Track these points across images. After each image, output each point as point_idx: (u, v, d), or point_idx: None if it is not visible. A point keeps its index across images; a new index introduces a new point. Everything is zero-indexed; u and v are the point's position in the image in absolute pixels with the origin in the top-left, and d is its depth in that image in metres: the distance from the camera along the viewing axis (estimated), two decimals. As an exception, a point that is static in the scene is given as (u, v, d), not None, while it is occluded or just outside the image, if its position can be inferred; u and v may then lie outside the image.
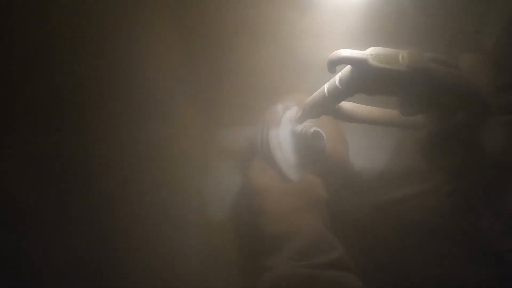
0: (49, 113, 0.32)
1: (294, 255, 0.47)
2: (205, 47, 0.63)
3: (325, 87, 0.50)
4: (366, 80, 0.45)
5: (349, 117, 0.55)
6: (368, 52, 0.44)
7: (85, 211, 0.36)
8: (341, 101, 0.52)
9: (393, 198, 0.58)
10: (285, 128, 0.59)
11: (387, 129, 0.69)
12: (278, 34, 0.61)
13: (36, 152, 0.31)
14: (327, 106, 0.53)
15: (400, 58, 0.43)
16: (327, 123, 0.62)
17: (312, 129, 0.58)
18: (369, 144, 0.68)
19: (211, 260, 0.61)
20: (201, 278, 0.59)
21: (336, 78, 0.48)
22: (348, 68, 0.46)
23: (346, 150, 0.63)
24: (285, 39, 0.62)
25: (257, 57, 0.62)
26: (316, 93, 0.53)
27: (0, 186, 0.28)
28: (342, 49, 0.44)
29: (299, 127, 0.60)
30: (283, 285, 0.45)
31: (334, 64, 0.45)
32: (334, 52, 0.45)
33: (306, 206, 0.52)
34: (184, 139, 0.62)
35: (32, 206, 0.30)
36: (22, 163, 0.29)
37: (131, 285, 0.42)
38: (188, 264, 0.57)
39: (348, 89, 0.47)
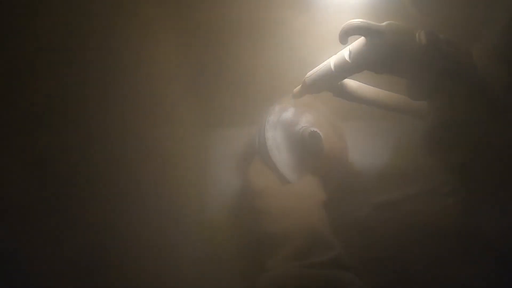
0: (48, 113, 0.32)
1: (292, 255, 0.47)
2: (205, 48, 0.63)
3: (331, 60, 0.47)
4: (379, 55, 0.42)
5: (352, 96, 0.51)
6: (385, 25, 0.41)
7: (85, 212, 0.36)
8: (347, 77, 0.49)
9: (392, 198, 0.58)
10: (282, 129, 0.58)
11: (386, 129, 0.70)
12: (277, 34, 0.61)
13: (36, 152, 0.31)
14: (330, 81, 0.49)
15: (417, 36, 0.41)
16: (325, 124, 0.62)
17: (310, 130, 0.58)
18: (369, 144, 0.68)
19: (210, 260, 0.62)
20: (200, 278, 0.59)
21: (345, 52, 0.45)
22: (360, 41, 0.44)
23: (345, 150, 0.63)
24: (284, 39, 0.62)
25: (256, 57, 0.62)
26: (320, 66, 0.49)
27: (1, 186, 0.28)
28: (357, 19, 0.41)
29: (297, 128, 0.59)
30: (282, 284, 0.45)
31: (348, 34, 0.42)
32: (349, 21, 0.41)
33: (304, 207, 0.52)
34: (183, 139, 0.63)
35: (32, 206, 0.31)
36: (23, 163, 0.29)
37: (131, 285, 0.42)
38: (187, 264, 0.57)
39: (357, 64, 0.44)
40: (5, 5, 0.27)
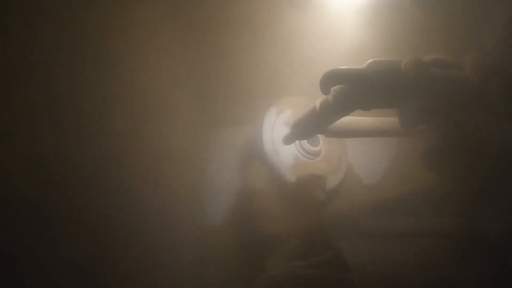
0: (49, 112, 0.32)
1: (290, 255, 0.47)
2: (204, 47, 0.63)
3: (317, 105, 0.46)
4: (363, 95, 0.40)
5: (345, 133, 0.50)
6: (367, 66, 0.39)
7: (83, 212, 0.37)
8: (336, 120, 0.47)
9: (392, 198, 0.58)
10: (279, 131, 0.59)
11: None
12: (277, 34, 0.61)
13: (36, 151, 0.31)
14: (319, 125, 0.48)
15: (402, 67, 0.39)
16: None
17: None
18: (369, 144, 0.67)
19: (208, 261, 0.62)
20: (198, 279, 0.59)
21: (329, 96, 0.43)
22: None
23: (344, 151, 0.63)
24: (284, 39, 0.61)
25: (256, 57, 0.62)
26: (306, 111, 0.48)
27: (1, 186, 0.28)
28: (336, 68, 0.40)
29: None
30: (280, 285, 0.45)
31: (328, 85, 0.40)
32: (327, 71, 0.40)
33: (302, 207, 0.52)
34: (182, 139, 0.63)
35: (31, 205, 0.31)
36: (22, 163, 0.30)
37: (129, 286, 0.42)
38: (186, 265, 0.58)
39: (344, 108, 0.43)
40: (5, 5, 0.28)
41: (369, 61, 0.40)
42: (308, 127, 0.50)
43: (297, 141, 0.58)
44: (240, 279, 0.59)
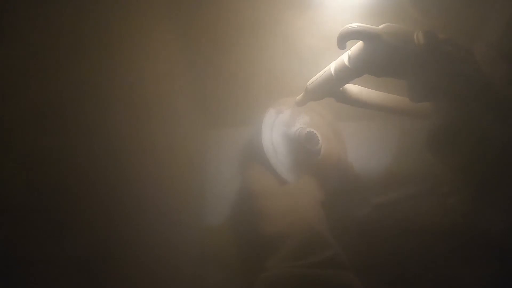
0: (49, 113, 0.32)
1: (290, 255, 0.47)
2: (204, 48, 0.63)
3: (332, 66, 0.48)
4: (377, 58, 0.42)
5: (354, 101, 0.51)
6: (382, 28, 0.41)
7: (83, 212, 0.37)
8: (348, 82, 0.49)
9: (392, 198, 0.58)
10: (278, 131, 0.59)
11: (386, 129, 0.69)
12: (277, 34, 0.61)
13: (36, 152, 0.31)
14: (332, 87, 0.50)
15: (415, 37, 0.40)
16: (323, 124, 0.62)
17: (306, 130, 0.58)
18: (368, 144, 0.68)
19: (208, 261, 0.62)
20: (199, 279, 0.60)
21: (345, 57, 0.45)
22: (358, 45, 0.44)
23: (343, 151, 0.63)
24: (284, 39, 0.62)
25: (256, 57, 0.62)
26: (321, 73, 0.50)
27: (1, 186, 0.28)
28: (354, 23, 0.41)
29: (293, 129, 0.59)
30: (280, 285, 0.45)
31: (345, 39, 0.42)
32: (345, 26, 0.42)
33: (302, 207, 0.52)
34: (182, 139, 0.63)
35: (29, 205, 0.31)
36: (22, 163, 0.30)
37: (129, 286, 0.42)
38: (186, 266, 0.58)
39: (357, 68, 0.44)
40: (4, 5, 0.28)
41: (385, 24, 0.42)
42: (321, 88, 0.50)
43: (297, 141, 0.58)
44: (240, 279, 0.59)
